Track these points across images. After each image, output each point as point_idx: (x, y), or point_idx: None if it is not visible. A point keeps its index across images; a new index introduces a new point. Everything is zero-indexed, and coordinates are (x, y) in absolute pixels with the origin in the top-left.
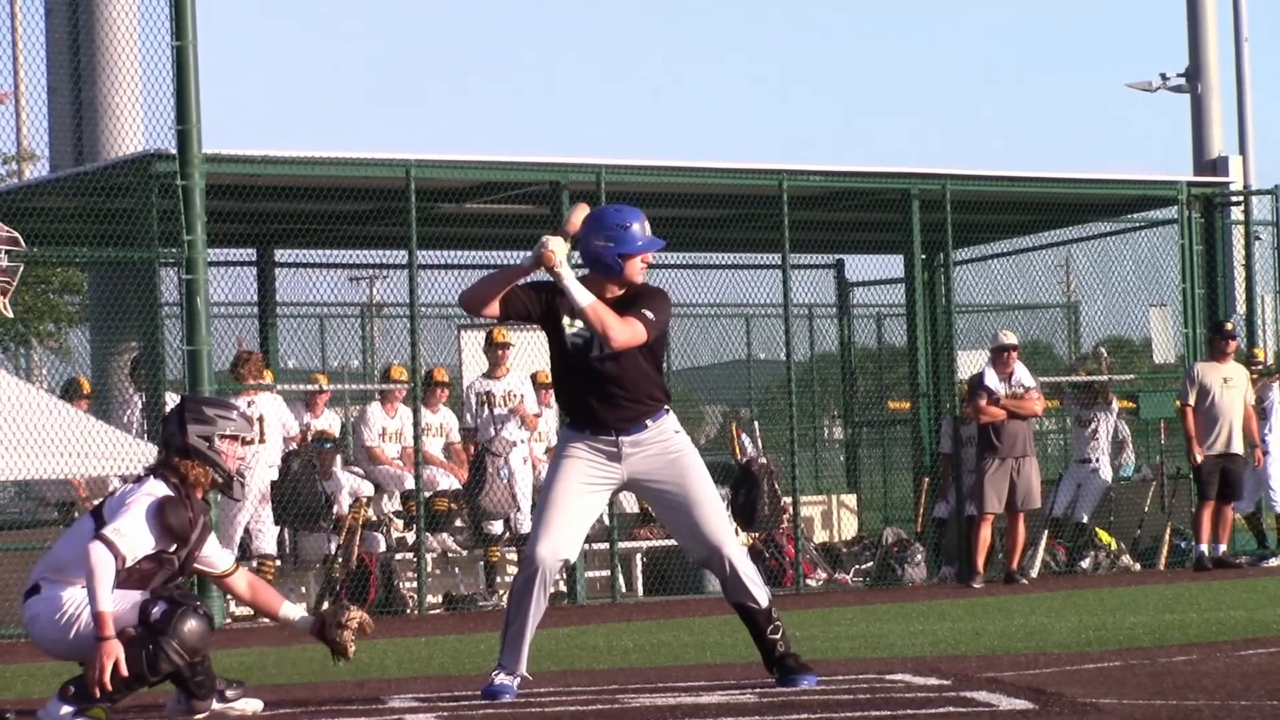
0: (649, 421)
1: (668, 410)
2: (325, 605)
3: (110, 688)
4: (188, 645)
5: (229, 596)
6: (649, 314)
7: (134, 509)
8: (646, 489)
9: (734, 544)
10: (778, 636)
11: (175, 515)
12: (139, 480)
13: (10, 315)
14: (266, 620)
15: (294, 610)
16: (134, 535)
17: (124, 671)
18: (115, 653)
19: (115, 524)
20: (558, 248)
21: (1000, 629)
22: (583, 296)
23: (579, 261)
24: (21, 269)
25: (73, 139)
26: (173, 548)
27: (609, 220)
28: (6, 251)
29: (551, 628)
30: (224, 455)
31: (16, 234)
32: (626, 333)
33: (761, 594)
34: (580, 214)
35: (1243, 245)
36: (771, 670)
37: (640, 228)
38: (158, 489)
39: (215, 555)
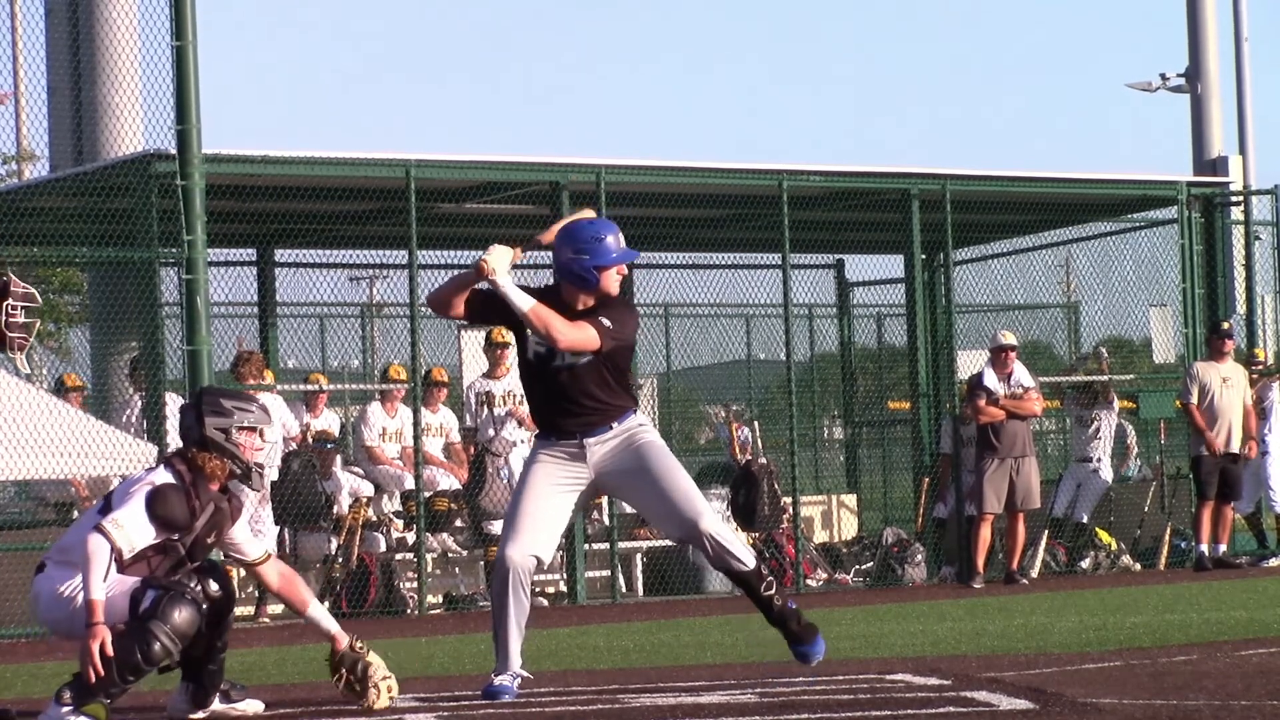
0: (614, 424)
1: (634, 412)
2: (356, 647)
3: (101, 670)
4: (179, 631)
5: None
6: (606, 321)
7: (134, 499)
8: (615, 479)
9: (709, 514)
10: (772, 592)
11: (170, 505)
12: (152, 469)
13: (28, 370)
14: (265, 620)
15: (324, 616)
16: (131, 526)
17: (110, 652)
18: (102, 636)
19: (114, 514)
20: (496, 257)
21: (1000, 629)
22: (523, 301)
23: (517, 262)
24: (38, 324)
25: (73, 139)
26: (175, 535)
27: (583, 233)
28: (23, 308)
29: (551, 628)
30: (242, 447)
31: (33, 290)
32: (573, 334)
33: (747, 555)
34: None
35: (1243, 245)
36: (774, 625)
37: (614, 240)
38: (160, 478)
39: (246, 543)
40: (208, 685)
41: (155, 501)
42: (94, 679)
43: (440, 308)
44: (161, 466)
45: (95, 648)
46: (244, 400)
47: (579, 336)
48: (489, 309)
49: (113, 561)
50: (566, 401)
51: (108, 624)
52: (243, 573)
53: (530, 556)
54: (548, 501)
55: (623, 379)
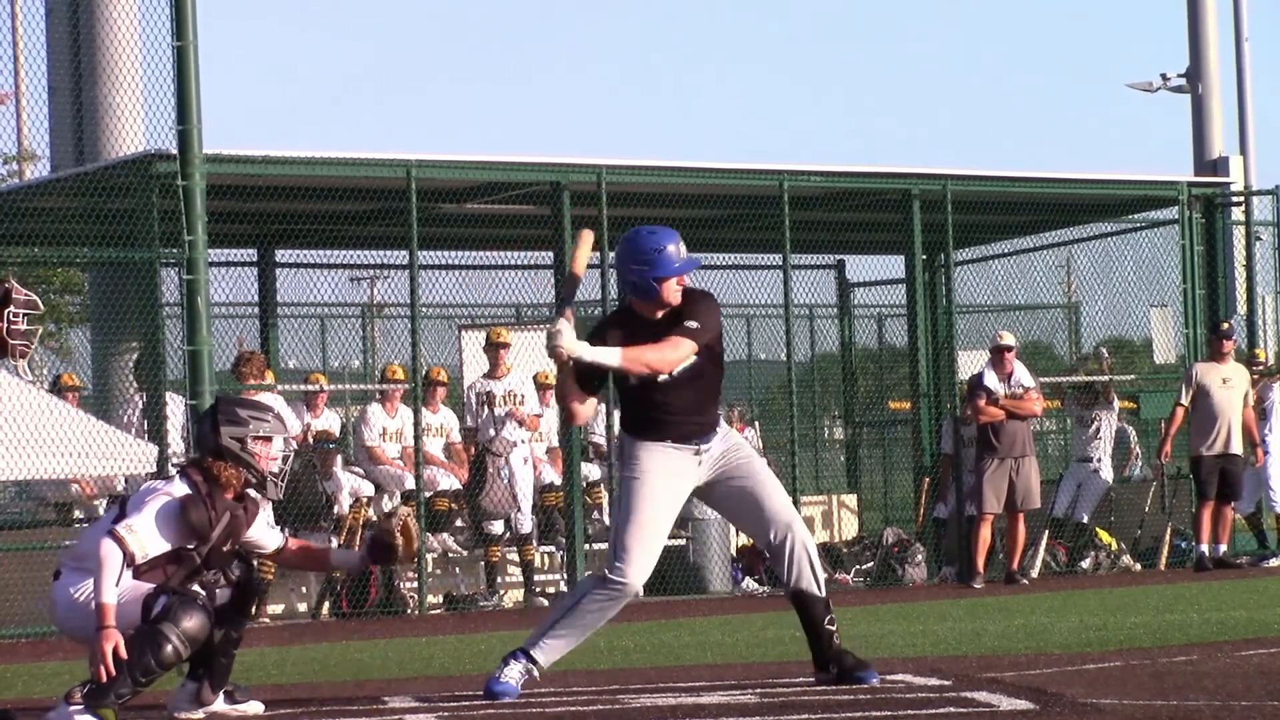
0: (718, 429)
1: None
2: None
3: (113, 671)
4: (189, 635)
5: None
6: (692, 324)
7: (149, 509)
8: (717, 488)
9: (801, 524)
10: (834, 628)
11: (189, 519)
12: (168, 478)
13: (32, 379)
14: (265, 620)
15: (344, 555)
16: (145, 534)
17: (123, 654)
18: (114, 639)
19: (129, 521)
20: (564, 340)
21: (1001, 629)
22: (611, 358)
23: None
24: (40, 331)
25: (73, 139)
26: (191, 545)
27: (644, 244)
28: (25, 315)
29: None
30: (257, 456)
31: (35, 296)
32: (672, 355)
33: (823, 582)
34: (585, 247)
35: (1243, 246)
36: (827, 668)
37: (675, 249)
38: (177, 489)
39: (264, 538)
40: (215, 678)
41: (175, 516)
42: (105, 679)
43: (577, 418)
44: (177, 477)
45: (108, 649)
46: (260, 409)
47: (676, 355)
48: (599, 371)
49: (126, 566)
50: (671, 414)
51: (119, 629)
52: None
53: (645, 582)
54: (668, 519)
55: (720, 376)
